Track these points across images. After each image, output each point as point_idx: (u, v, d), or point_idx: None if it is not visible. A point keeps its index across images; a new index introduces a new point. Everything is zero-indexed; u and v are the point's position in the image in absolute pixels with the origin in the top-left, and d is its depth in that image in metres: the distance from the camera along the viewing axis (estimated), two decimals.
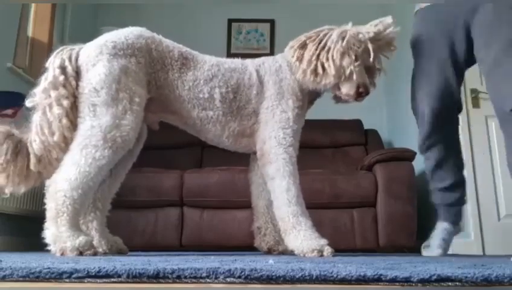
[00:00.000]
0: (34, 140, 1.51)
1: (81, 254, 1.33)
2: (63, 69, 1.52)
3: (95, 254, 1.39)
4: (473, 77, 2.90)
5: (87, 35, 3.59)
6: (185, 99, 1.66)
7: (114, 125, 1.46)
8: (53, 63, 1.54)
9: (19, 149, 1.52)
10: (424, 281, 0.72)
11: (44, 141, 1.50)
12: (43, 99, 1.51)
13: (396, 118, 3.76)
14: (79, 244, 1.33)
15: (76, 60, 1.55)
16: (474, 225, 2.65)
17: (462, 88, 2.84)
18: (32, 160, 1.51)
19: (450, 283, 0.73)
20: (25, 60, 2.93)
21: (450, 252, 2.60)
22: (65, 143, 1.49)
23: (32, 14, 3.12)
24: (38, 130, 1.51)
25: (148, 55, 1.61)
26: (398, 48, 1.78)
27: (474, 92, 2.85)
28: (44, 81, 1.52)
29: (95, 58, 1.52)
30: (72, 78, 1.52)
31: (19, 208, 2.61)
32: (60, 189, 1.39)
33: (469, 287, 0.72)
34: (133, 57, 1.56)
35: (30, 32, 3.09)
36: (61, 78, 1.51)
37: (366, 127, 3.62)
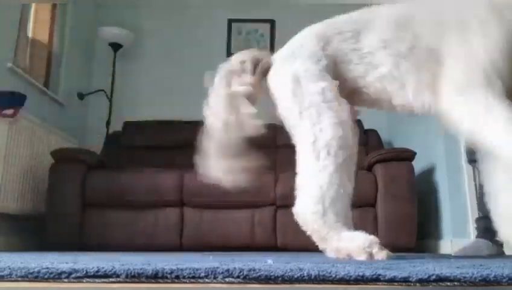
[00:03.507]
0: None
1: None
2: None
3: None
4: None
5: (87, 35, 3.63)
6: None
7: None
8: None
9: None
10: (422, 281, 0.72)
11: None
12: None
13: (396, 118, 3.76)
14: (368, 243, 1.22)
15: None
16: (474, 225, 2.64)
17: None
18: None
19: (448, 283, 0.73)
20: (25, 60, 2.93)
21: (449, 252, 2.60)
22: None
23: (32, 14, 3.13)
24: None
25: None
26: None
27: None
28: None
29: None
30: None
31: (19, 208, 2.60)
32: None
33: (467, 287, 0.72)
34: None
35: (30, 33, 3.10)
36: None
37: (366, 127, 3.61)
